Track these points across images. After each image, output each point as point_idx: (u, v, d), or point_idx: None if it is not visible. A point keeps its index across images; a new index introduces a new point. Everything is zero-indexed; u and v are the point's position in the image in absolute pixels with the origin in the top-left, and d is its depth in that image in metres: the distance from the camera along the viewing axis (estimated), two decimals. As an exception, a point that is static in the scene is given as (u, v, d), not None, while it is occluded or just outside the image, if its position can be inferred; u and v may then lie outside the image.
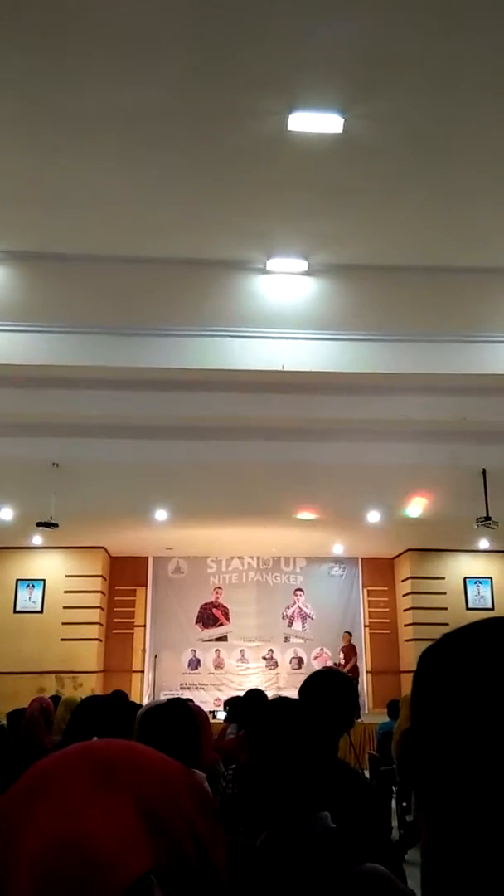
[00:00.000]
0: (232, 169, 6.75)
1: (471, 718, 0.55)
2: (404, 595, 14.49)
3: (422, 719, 0.59)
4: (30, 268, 8.21)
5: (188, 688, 13.94)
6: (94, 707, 3.67)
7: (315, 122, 6.14)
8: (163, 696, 12.99)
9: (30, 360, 8.28)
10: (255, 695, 5.61)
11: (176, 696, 7.36)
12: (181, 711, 2.43)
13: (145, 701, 12.26)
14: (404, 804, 7.24)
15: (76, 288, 8.24)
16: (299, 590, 15.06)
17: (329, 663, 14.13)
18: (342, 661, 13.71)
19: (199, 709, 3.68)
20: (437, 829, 0.56)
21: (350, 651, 13.81)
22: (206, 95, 5.91)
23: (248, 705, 5.43)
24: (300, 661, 14.65)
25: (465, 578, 14.14)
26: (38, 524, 10.05)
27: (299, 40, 5.36)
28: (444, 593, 13.96)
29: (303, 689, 2.18)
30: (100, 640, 13.94)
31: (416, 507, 10.35)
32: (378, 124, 6.17)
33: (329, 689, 2.15)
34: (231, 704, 6.77)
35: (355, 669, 13.45)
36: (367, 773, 7.73)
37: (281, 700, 1.79)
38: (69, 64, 5.61)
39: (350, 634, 14.07)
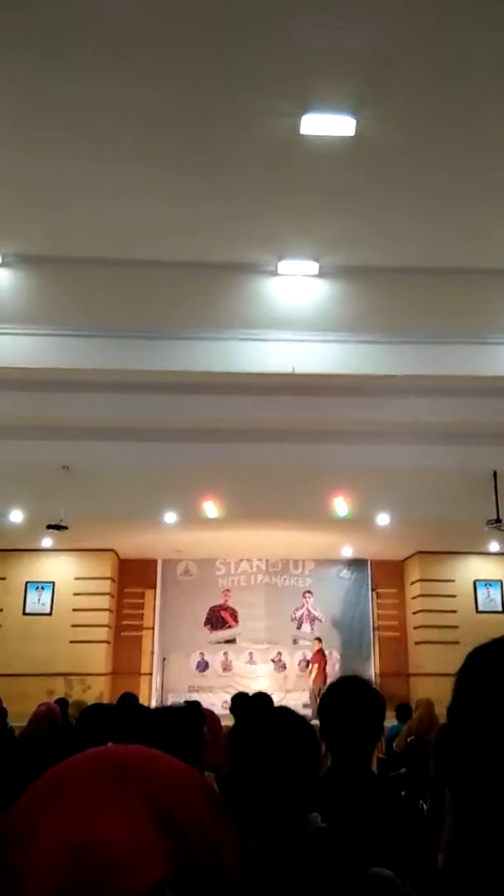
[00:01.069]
0: (243, 171, 6.75)
1: None
2: (413, 598, 14.44)
3: (467, 716, 0.60)
4: (39, 271, 8.23)
5: (196, 690, 13.92)
6: (102, 713, 3.69)
7: (327, 124, 6.12)
8: (170, 699, 12.99)
9: (40, 364, 8.31)
10: (261, 698, 5.60)
11: (186, 698, 7.24)
12: (186, 714, 2.43)
13: (153, 703, 12.27)
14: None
15: (86, 291, 8.25)
16: (308, 592, 15.04)
17: (337, 667, 14.07)
18: (309, 669, 13.56)
19: (211, 713, 3.67)
20: (469, 824, 0.57)
21: (319, 657, 13.58)
22: (217, 97, 5.91)
23: (253, 708, 5.40)
24: (308, 663, 14.62)
25: (475, 581, 14.08)
26: (48, 526, 10.09)
27: (311, 41, 5.36)
28: (454, 596, 13.91)
29: (324, 700, 2.13)
30: (108, 643, 13.96)
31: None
32: (390, 127, 6.16)
33: (352, 699, 2.10)
34: (234, 701, 6.63)
35: (323, 675, 13.08)
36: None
37: (268, 711, 1.80)
38: (77, 64, 5.60)
39: (320, 640, 13.93)
